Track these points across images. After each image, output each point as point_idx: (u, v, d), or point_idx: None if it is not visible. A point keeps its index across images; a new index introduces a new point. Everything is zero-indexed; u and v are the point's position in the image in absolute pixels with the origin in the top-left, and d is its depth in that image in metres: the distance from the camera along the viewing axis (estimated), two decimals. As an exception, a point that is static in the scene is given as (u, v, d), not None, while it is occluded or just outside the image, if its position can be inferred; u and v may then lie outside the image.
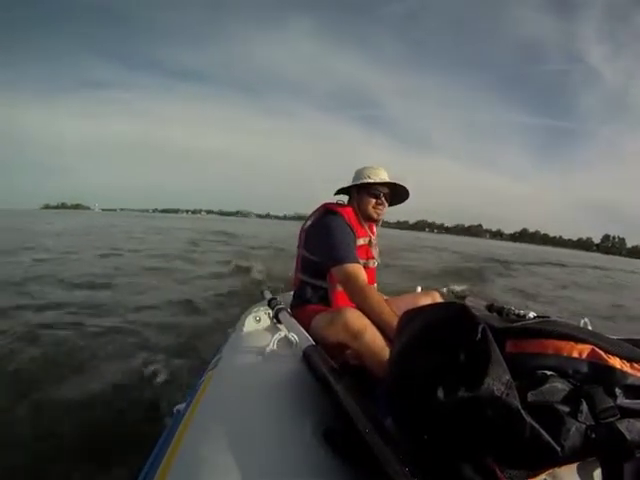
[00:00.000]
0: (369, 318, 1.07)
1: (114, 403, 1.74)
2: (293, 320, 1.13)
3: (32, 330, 2.61)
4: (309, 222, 1.38)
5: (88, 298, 3.76)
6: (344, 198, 1.48)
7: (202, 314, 3.42)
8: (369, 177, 1.38)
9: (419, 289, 1.82)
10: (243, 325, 1.12)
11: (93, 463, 1.35)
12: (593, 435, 0.45)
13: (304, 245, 1.36)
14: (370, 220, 1.42)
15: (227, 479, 0.50)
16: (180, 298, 3.87)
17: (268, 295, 1.44)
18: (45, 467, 1.34)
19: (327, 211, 1.35)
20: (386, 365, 0.61)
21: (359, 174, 1.41)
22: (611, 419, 0.45)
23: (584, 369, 0.48)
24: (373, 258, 1.42)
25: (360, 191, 1.40)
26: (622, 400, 0.47)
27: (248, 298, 3.27)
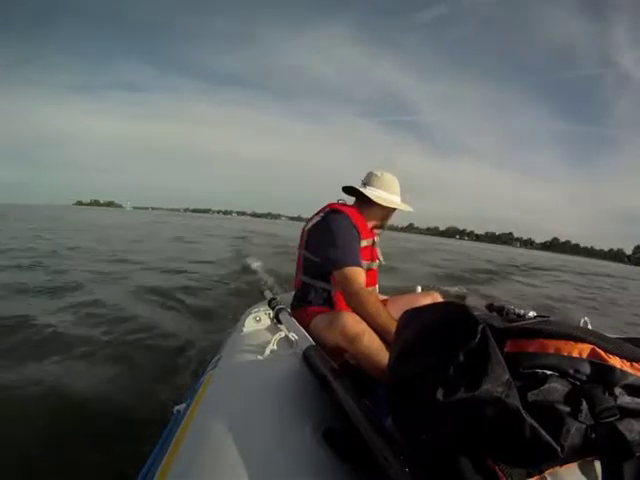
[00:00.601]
0: (366, 322, 1.06)
1: (114, 403, 1.74)
2: (293, 320, 1.13)
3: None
4: (312, 222, 1.36)
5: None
6: (344, 196, 1.47)
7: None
8: (387, 190, 1.38)
9: (419, 289, 1.82)
10: (243, 325, 1.12)
11: (93, 463, 1.35)
12: (593, 435, 0.45)
13: (306, 246, 1.35)
14: (375, 227, 1.44)
15: (227, 479, 0.50)
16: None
17: (268, 295, 1.44)
18: (44, 466, 1.34)
19: (332, 211, 1.34)
20: (384, 368, 0.61)
21: (375, 182, 1.40)
22: (611, 419, 0.45)
23: (584, 369, 0.48)
24: (377, 259, 1.41)
25: (374, 203, 1.37)
26: (622, 400, 0.47)
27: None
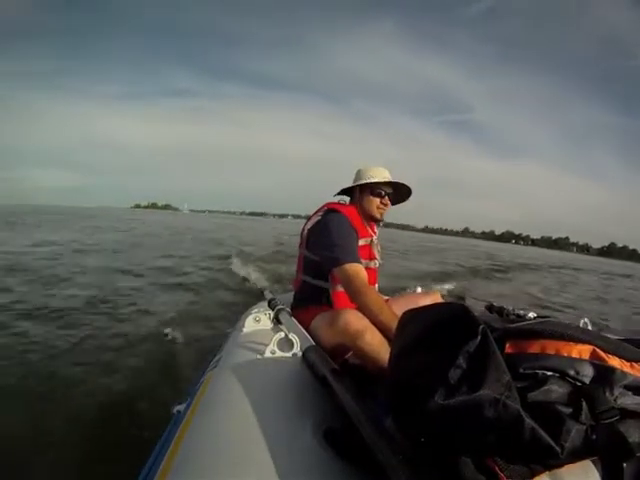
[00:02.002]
0: (369, 319, 1.07)
1: (114, 402, 1.75)
2: (293, 320, 1.13)
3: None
4: (311, 221, 1.37)
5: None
6: (345, 198, 1.47)
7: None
8: (372, 177, 1.37)
9: (419, 289, 1.82)
10: (243, 325, 1.12)
11: (93, 463, 1.35)
12: (593, 436, 0.45)
13: (306, 245, 1.36)
14: (373, 220, 1.42)
15: (227, 479, 0.50)
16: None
17: (268, 295, 1.44)
18: (43, 466, 1.34)
19: (329, 210, 1.35)
20: (386, 366, 0.61)
21: (361, 174, 1.41)
22: (611, 420, 0.45)
23: (584, 370, 0.48)
24: (375, 258, 1.41)
25: (363, 191, 1.39)
26: (622, 401, 0.47)
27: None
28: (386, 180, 1.37)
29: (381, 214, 1.40)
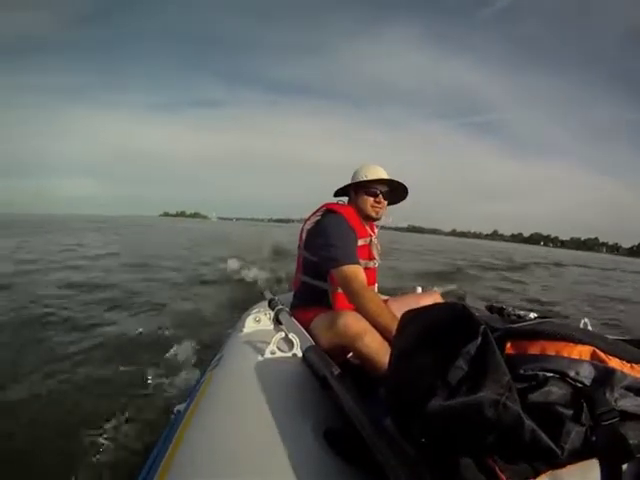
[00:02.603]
0: (368, 321, 1.06)
1: (113, 403, 1.75)
2: (293, 321, 1.13)
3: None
4: (310, 222, 1.37)
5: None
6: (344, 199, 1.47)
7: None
8: (366, 176, 1.36)
9: (419, 289, 1.82)
10: (243, 326, 1.12)
11: (93, 463, 1.35)
12: (593, 437, 0.45)
13: (305, 246, 1.35)
14: (369, 219, 1.41)
15: (227, 479, 0.50)
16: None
17: (268, 296, 1.44)
18: (42, 465, 1.34)
19: (328, 211, 1.35)
20: (386, 367, 0.61)
21: (356, 173, 1.40)
22: (611, 421, 0.45)
23: (584, 371, 0.48)
24: (374, 258, 1.41)
25: (358, 190, 1.38)
26: (623, 402, 0.47)
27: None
28: (379, 178, 1.36)
29: (377, 213, 1.39)
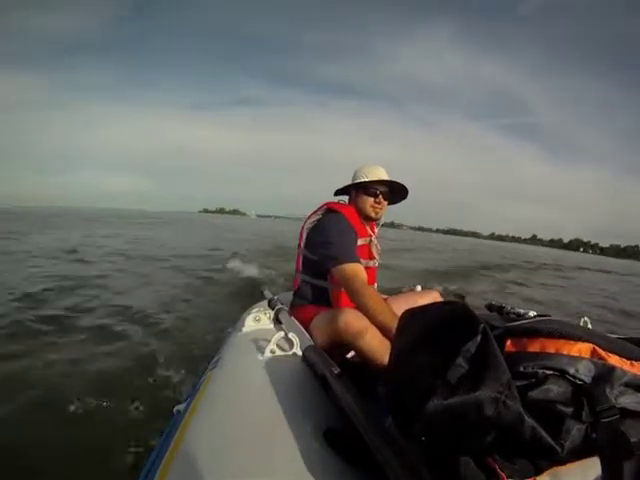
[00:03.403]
0: (368, 318, 1.06)
1: (113, 403, 1.74)
2: (293, 320, 1.13)
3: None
4: (310, 221, 1.37)
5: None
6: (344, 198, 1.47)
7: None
8: (366, 176, 1.37)
9: (419, 288, 1.82)
10: (243, 325, 1.12)
11: (93, 463, 1.35)
12: (594, 435, 0.45)
13: (305, 244, 1.36)
14: (369, 219, 1.41)
15: (227, 479, 0.50)
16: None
17: (268, 295, 1.44)
18: (42, 465, 1.34)
19: (328, 210, 1.35)
20: (386, 365, 0.60)
21: (357, 173, 1.41)
22: (611, 418, 0.45)
23: (584, 368, 0.48)
24: (374, 258, 1.41)
25: (358, 190, 1.39)
26: (623, 399, 0.47)
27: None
28: (379, 179, 1.36)
29: (376, 213, 1.39)
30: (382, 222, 1.48)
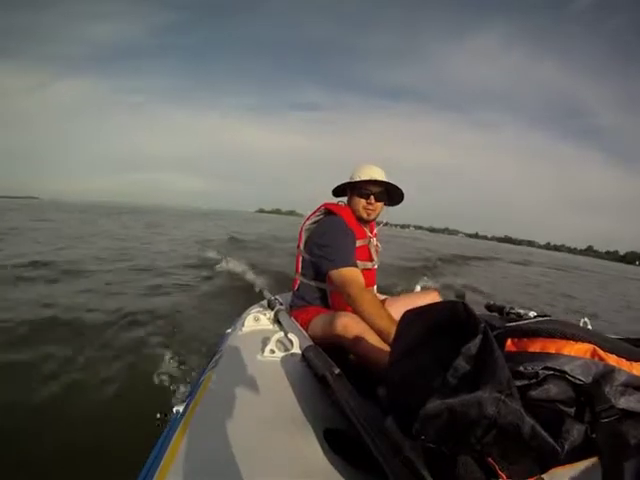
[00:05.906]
0: (366, 323, 1.06)
1: (113, 403, 1.74)
2: (292, 320, 1.13)
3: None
4: (309, 222, 1.36)
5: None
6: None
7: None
8: (359, 176, 1.32)
9: (418, 288, 1.82)
10: (242, 325, 1.12)
11: (92, 463, 1.35)
12: (593, 435, 0.45)
13: (303, 246, 1.35)
14: (362, 221, 1.37)
15: (227, 479, 0.50)
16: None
17: (268, 295, 1.44)
18: (42, 466, 1.34)
19: (327, 212, 1.34)
20: (384, 368, 0.60)
21: (352, 173, 1.36)
22: (611, 418, 0.45)
23: (584, 368, 0.48)
24: (372, 260, 1.40)
25: (352, 191, 1.35)
26: (622, 399, 0.47)
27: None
28: (371, 179, 1.30)
29: (368, 214, 1.34)
30: (383, 222, 1.47)
